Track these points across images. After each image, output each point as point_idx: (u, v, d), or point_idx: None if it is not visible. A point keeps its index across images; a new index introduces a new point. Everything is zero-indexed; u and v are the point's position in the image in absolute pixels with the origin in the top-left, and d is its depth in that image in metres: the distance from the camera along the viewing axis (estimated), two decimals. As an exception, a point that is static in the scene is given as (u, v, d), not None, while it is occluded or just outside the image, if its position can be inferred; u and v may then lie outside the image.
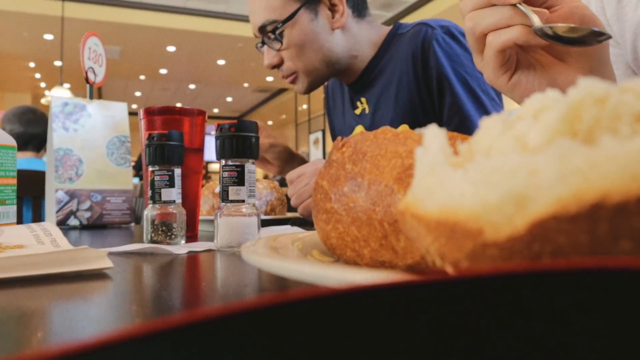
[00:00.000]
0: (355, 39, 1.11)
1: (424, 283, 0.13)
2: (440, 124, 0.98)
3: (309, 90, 1.13)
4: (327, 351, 0.13)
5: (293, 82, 1.13)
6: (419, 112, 1.04)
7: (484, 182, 0.16)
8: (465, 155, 0.21)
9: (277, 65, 1.11)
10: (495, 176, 0.16)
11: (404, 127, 1.06)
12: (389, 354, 0.13)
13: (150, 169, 0.67)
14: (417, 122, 1.02)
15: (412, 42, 1.06)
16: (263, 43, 1.10)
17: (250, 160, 0.61)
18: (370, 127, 1.13)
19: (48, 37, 6.48)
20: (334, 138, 1.32)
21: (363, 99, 1.16)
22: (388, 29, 1.15)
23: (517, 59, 0.54)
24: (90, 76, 1.23)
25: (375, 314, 0.13)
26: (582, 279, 0.13)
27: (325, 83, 1.33)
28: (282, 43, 1.06)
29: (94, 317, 0.31)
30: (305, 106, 10.17)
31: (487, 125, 0.21)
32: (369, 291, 0.13)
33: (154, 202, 0.66)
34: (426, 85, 1.03)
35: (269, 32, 1.06)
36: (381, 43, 1.12)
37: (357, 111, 1.18)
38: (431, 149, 0.20)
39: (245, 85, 9.70)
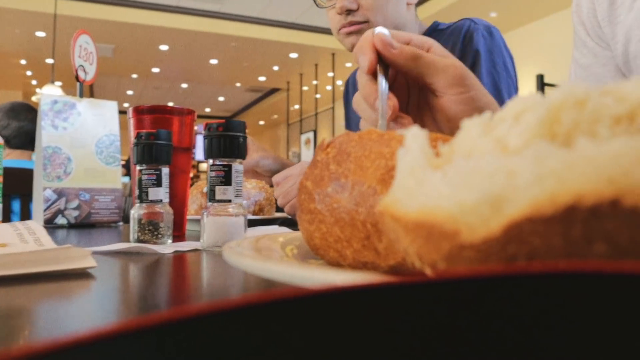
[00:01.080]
0: (410, 21, 1.16)
1: (401, 285, 0.13)
2: None
3: None
4: (307, 351, 0.13)
5: (357, 32, 1.10)
6: None
7: (461, 184, 0.16)
8: (446, 156, 0.21)
9: (350, 11, 1.09)
10: (472, 178, 0.16)
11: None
12: (369, 355, 0.13)
13: (138, 167, 0.67)
14: None
15: (453, 33, 1.11)
16: None
17: (238, 160, 0.61)
18: None
19: (40, 34, 6.43)
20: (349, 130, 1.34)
21: None
22: (428, 24, 1.20)
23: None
24: (81, 74, 1.22)
25: (354, 315, 0.13)
26: (556, 282, 0.13)
27: (347, 79, 1.37)
28: None
29: (76, 316, 0.31)
30: (297, 106, 10.17)
31: (468, 127, 0.21)
32: (348, 293, 0.13)
33: (141, 201, 0.66)
34: None
35: None
36: (423, 33, 1.16)
37: None
38: (412, 150, 0.20)
39: (238, 84, 9.68)
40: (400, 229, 0.19)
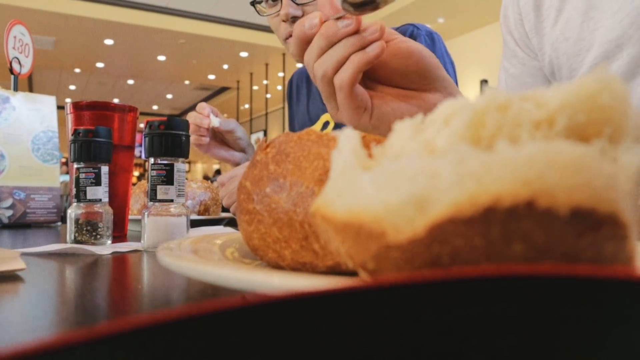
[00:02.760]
0: None
1: (333, 292, 0.13)
2: None
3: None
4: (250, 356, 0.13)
5: None
6: None
7: (388, 185, 0.16)
8: (378, 157, 0.21)
9: (296, 18, 1.05)
10: (398, 179, 0.16)
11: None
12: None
13: (75, 166, 0.64)
14: None
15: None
16: None
17: (180, 159, 0.60)
18: None
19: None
20: (292, 130, 1.33)
21: None
22: None
23: (370, 94, 0.52)
24: (15, 67, 1.16)
25: (288, 321, 0.13)
26: (473, 287, 0.14)
27: (290, 77, 1.36)
28: None
29: (1, 323, 0.29)
30: (247, 105, 10.08)
31: (400, 129, 0.21)
32: (284, 301, 0.13)
33: (79, 201, 0.63)
34: None
35: None
36: None
37: None
38: (344, 152, 0.20)
39: (186, 82, 9.50)
40: (330, 230, 0.19)
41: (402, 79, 0.52)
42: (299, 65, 1.38)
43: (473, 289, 0.13)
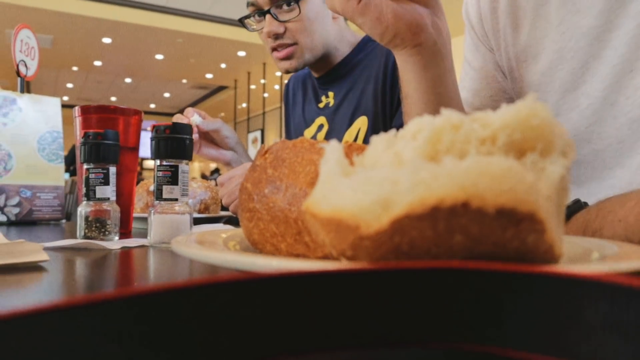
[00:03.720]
0: (340, 33, 1.21)
1: (322, 273, 0.18)
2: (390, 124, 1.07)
3: (298, 67, 1.17)
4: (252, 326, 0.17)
5: (288, 57, 1.15)
6: (379, 109, 1.13)
7: (361, 189, 0.21)
8: (358, 165, 0.26)
9: (278, 35, 1.14)
10: (368, 185, 0.21)
11: (361, 122, 1.12)
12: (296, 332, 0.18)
13: (85, 166, 0.69)
14: (376, 118, 1.12)
15: (380, 46, 1.15)
16: (264, 13, 1.13)
17: (184, 161, 0.64)
18: (332, 119, 1.21)
19: (-29, 21, 6.11)
20: (288, 134, 1.38)
21: (330, 93, 1.24)
22: (363, 34, 1.24)
23: None
24: (22, 69, 1.21)
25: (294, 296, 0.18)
26: (417, 274, 0.18)
27: (286, 81, 1.42)
28: (295, 13, 1.10)
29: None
30: (244, 105, 10.11)
31: (376, 142, 0.26)
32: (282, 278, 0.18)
33: (89, 199, 0.68)
34: (390, 88, 1.12)
35: (283, 2, 1.10)
36: (357, 43, 1.22)
37: (321, 105, 1.26)
38: (329, 161, 0.25)
39: (184, 81, 9.53)
40: (318, 224, 0.23)
41: None
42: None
43: (415, 276, 0.18)
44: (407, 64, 0.60)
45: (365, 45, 1.22)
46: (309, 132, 1.26)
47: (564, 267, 0.22)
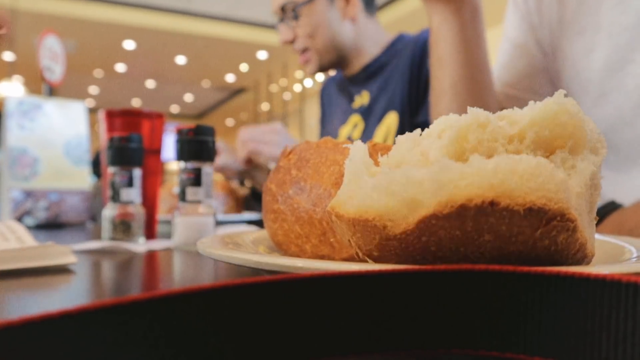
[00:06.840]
0: (363, 33, 1.23)
1: (356, 274, 0.18)
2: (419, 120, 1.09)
3: (319, 70, 1.24)
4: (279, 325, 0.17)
5: (306, 62, 1.23)
6: (411, 107, 1.15)
7: (387, 189, 0.21)
8: (383, 165, 0.25)
9: (291, 42, 1.22)
10: (394, 185, 0.20)
11: (391, 118, 1.15)
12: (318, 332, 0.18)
13: (111, 170, 0.70)
14: (404, 115, 1.15)
15: (415, 44, 1.19)
16: (281, 20, 1.20)
17: (208, 163, 0.65)
18: (367, 117, 1.24)
19: (-1, 29, 6.25)
20: (324, 134, 1.41)
21: (364, 92, 1.27)
22: (394, 34, 1.28)
23: None
24: (48, 75, 1.23)
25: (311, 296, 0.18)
26: (442, 276, 0.18)
27: (322, 86, 1.49)
28: (297, 21, 1.17)
29: (59, 306, 0.34)
30: (266, 106, 10.16)
31: (401, 141, 0.25)
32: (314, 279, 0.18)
33: (114, 202, 0.69)
34: (417, 83, 1.15)
35: (288, 10, 1.17)
36: (387, 43, 1.25)
37: (355, 105, 1.30)
38: (354, 161, 0.25)
39: (205, 83, 9.61)
40: (343, 225, 0.23)
41: None
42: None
43: (439, 278, 0.17)
44: (445, 23, 0.62)
45: (396, 45, 1.24)
46: (345, 131, 1.28)
47: (596, 268, 0.21)
